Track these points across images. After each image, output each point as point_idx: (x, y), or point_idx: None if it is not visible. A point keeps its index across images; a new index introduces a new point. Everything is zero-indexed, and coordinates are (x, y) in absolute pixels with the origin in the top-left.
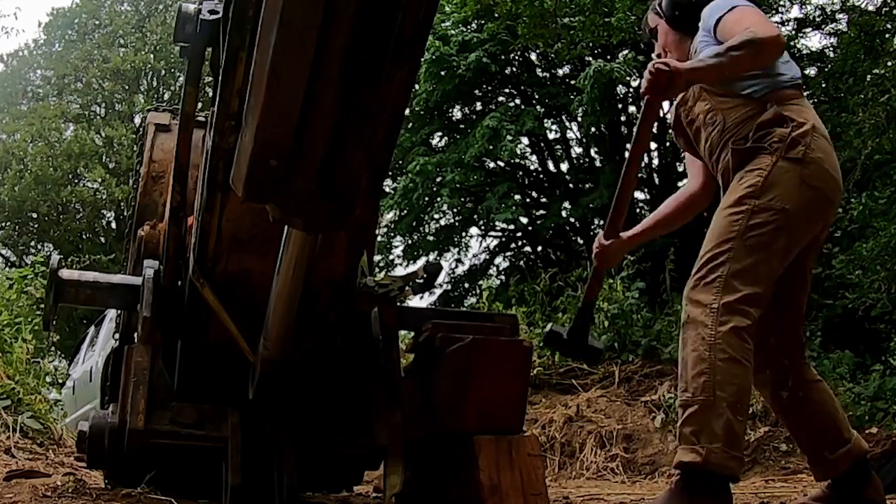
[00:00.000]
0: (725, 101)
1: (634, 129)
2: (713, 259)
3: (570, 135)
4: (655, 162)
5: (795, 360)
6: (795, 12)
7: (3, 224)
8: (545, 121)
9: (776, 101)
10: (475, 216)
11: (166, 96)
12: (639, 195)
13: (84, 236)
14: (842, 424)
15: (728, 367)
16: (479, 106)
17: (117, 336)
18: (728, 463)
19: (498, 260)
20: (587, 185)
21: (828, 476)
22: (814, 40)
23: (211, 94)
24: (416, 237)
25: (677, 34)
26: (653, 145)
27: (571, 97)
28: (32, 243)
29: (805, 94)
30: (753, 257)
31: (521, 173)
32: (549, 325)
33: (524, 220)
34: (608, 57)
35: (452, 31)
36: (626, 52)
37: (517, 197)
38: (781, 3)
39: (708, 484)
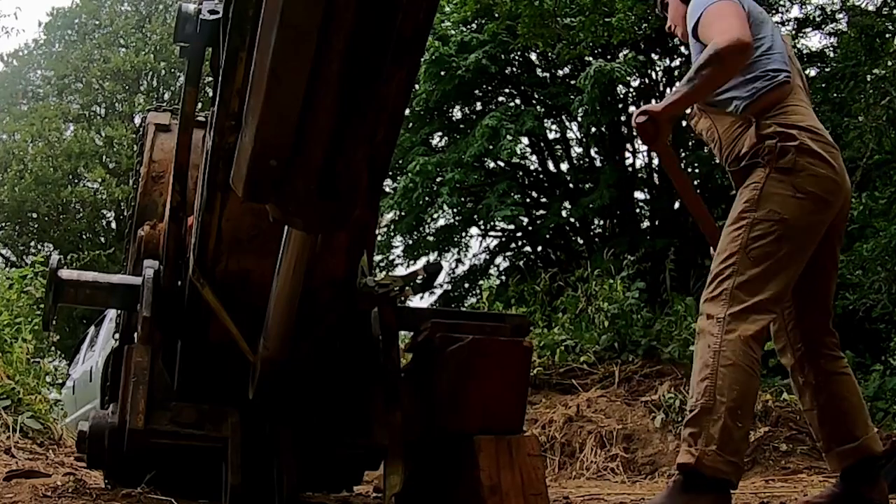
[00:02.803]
0: (718, 118)
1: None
2: (720, 274)
3: (570, 135)
4: (656, 161)
5: (814, 350)
6: (795, 12)
7: (3, 224)
8: (545, 121)
9: (758, 112)
10: (475, 216)
11: (166, 96)
12: (639, 195)
13: (84, 236)
14: (855, 421)
15: (730, 372)
16: (478, 106)
17: (117, 336)
18: (721, 466)
19: (498, 260)
20: (587, 185)
21: (837, 467)
22: (814, 40)
23: (211, 94)
24: (416, 237)
25: (686, 8)
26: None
27: (571, 97)
28: (32, 243)
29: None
30: (757, 268)
31: (520, 173)
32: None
33: (524, 220)
34: (608, 57)
35: (452, 32)
36: (626, 52)
37: (517, 197)
38: (781, 3)
39: (703, 485)
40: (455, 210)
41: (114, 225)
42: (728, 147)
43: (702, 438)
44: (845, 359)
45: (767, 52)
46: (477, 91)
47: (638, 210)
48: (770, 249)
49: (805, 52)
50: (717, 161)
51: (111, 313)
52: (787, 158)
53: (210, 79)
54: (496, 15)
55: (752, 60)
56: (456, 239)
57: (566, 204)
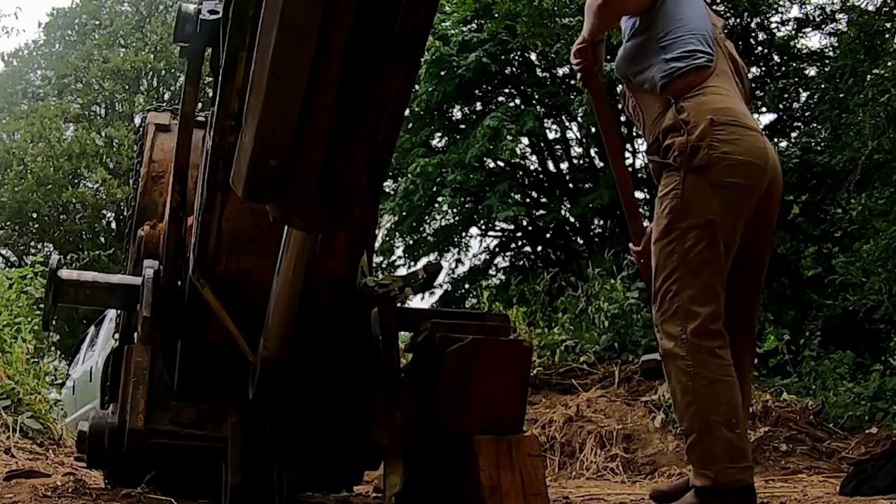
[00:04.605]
0: (642, 98)
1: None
2: (667, 292)
3: (570, 135)
4: None
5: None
6: (795, 12)
7: (4, 225)
8: (545, 121)
9: (674, 94)
10: (475, 216)
11: (166, 96)
12: (638, 195)
13: (84, 236)
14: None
15: (711, 390)
16: (479, 106)
17: (117, 336)
18: (736, 476)
19: (498, 260)
20: (587, 185)
21: None
22: (814, 40)
23: (211, 94)
24: (416, 237)
25: None
26: None
27: (571, 97)
28: (33, 243)
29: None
30: (700, 277)
31: (521, 173)
32: (648, 356)
33: (524, 219)
34: (608, 57)
35: (452, 31)
36: None
37: (517, 197)
38: (781, 3)
39: (726, 496)
40: (455, 210)
41: (114, 225)
42: (651, 127)
43: (710, 459)
44: (748, 360)
45: (688, 32)
46: (477, 91)
47: (638, 210)
48: (706, 255)
49: (805, 51)
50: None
51: (111, 313)
52: (699, 156)
53: (210, 79)
54: (495, 14)
55: (671, 40)
56: (456, 239)
57: (566, 203)
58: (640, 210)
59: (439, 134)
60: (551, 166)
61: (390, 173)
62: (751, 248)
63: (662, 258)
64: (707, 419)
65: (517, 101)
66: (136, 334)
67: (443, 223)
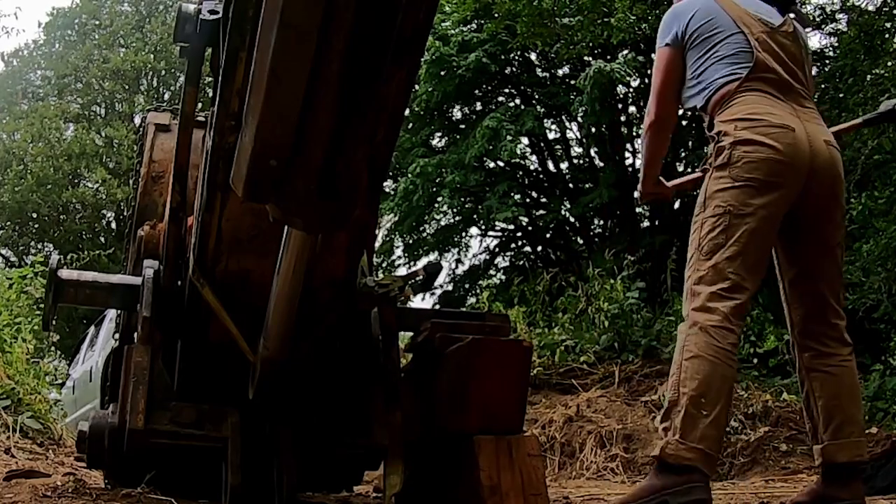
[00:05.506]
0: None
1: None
2: (687, 278)
3: (570, 135)
4: None
5: (802, 343)
6: None
7: (4, 225)
8: (545, 121)
9: (711, 111)
10: (475, 216)
11: (166, 96)
12: (639, 195)
13: (84, 236)
14: (827, 422)
15: (691, 364)
16: (479, 106)
17: (117, 336)
18: (683, 454)
19: (498, 260)
20: (587, 185)
21: (818, 462)
22: (814, 40)
23: (211, 94)
24: (415, 237)
25: None
26: None
27: (571, 97)
28: (32, 243)
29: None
30: (710, 261)
31: (520, 173)
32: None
33: (524, 219)
34: (608, 57)
35: (452, 31)
36: (626, 52)
37: (517, 197)
38: None
39: (671, 471)
40: (455, 210)
41: (114, 225)
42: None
43: (670, 430)
44: (840, 356)
45: (711, 66)
46: (477, 91)
47: (638, 210)
48: (719, 241)
49: None
50: None
51: (111, 313)
52: (722, 156)
53: (210, 79)
54: (496, 14)
55: (700, 72)
56: (456, 239)
57: (566, 203)
58: (641, 210)
59: (439, 134)
60: (551, 166)
61: (390, 173)
62: (803, 249)
63: (689, 247)
64: (679, 390)
65: (517, 101)
66: (136, 334)
67: (443, 223)
